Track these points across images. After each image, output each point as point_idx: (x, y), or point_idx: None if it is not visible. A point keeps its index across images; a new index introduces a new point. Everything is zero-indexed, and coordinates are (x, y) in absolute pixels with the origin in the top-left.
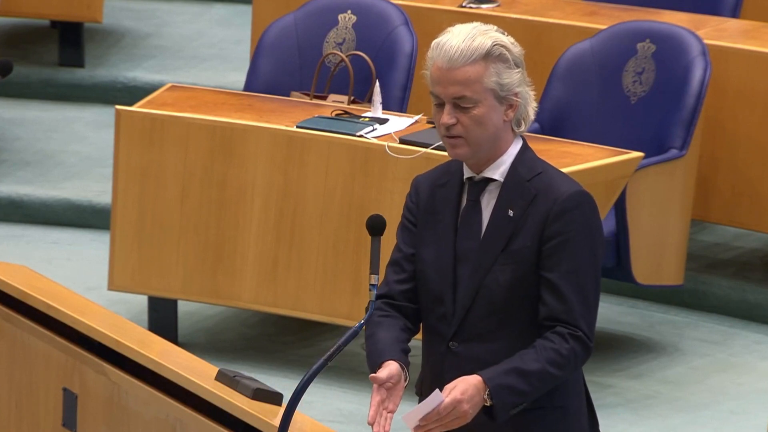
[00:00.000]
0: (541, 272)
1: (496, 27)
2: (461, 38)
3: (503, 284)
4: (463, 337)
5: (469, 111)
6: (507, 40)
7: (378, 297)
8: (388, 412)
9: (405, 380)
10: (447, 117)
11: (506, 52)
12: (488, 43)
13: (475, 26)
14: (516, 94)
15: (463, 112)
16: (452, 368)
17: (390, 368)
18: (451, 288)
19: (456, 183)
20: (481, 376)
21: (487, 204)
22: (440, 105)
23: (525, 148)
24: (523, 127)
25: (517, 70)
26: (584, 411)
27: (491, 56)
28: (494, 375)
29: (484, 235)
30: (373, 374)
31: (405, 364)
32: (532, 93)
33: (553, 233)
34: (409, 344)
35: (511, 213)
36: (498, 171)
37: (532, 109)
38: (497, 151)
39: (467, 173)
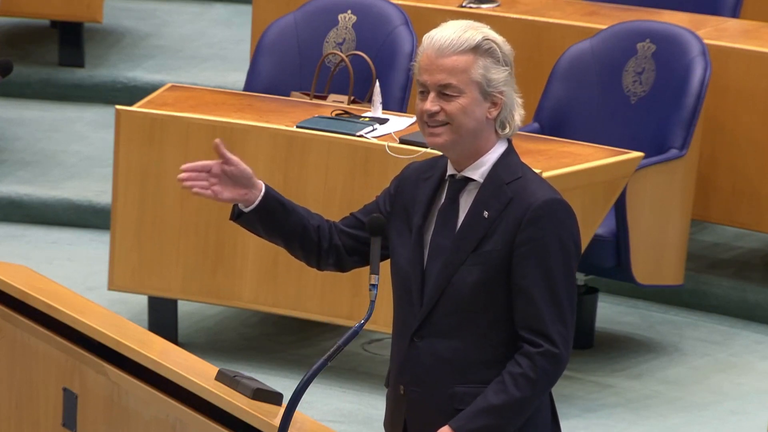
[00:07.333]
0: (513, 279)
1: (489, 26)
2: (452, 30)
3: (470, 284)
4: (426, 332)
5: (453, 100)
6: (499, 37)
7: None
8: (210, 179)
9: (256, 197)
10: (430, 104)
11: (496, 48)
12: (479, 37)
13: (469, 22)
14: (501, 93)
15: (446, 101)
16: (413, 361)
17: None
18: (420, 283)
19: (437, 179)
20: (450, 426)
21: (465, 203)
22: (424, 93)
23: (509, 152)
24: (507, 131)
25: (505, 68)
26: (549, 416)
27: (480, 49)
28: (464, 422)
29: (458, 234)
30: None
31: (272, 200)
32: (519, 100)
33: (525, 240)
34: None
35: (486, 214)
36: (478, 171)
37: (518, 115)
38: (478, 150)
39: (450, 170)
